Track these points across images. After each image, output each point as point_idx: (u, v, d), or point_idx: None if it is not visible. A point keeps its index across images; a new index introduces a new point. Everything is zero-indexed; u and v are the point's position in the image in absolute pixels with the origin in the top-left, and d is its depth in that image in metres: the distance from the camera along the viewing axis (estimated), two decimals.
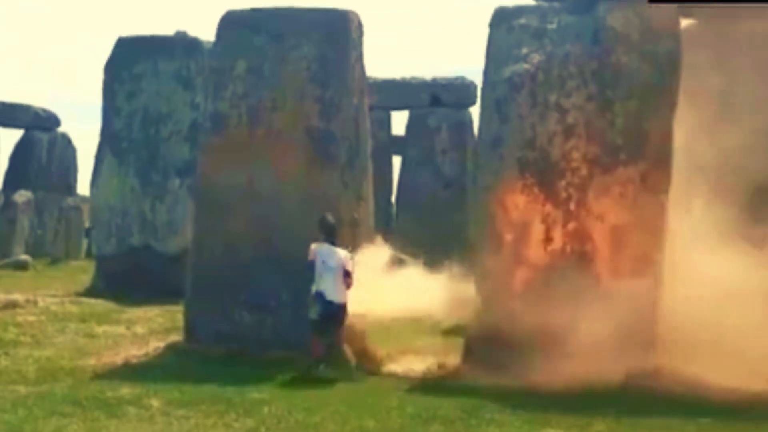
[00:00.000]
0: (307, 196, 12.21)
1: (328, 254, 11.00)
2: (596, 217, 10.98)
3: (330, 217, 11.25)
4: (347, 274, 10.94)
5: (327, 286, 10.92)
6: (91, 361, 11.96)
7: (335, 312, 10.98)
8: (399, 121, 29.13)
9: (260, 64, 12.92)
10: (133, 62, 21.15)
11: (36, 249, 28.89)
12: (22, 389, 10.11)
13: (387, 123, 28.80)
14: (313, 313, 10.95)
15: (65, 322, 15.17)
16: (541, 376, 10.03)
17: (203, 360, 11.86)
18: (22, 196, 30.26)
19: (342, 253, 11.03)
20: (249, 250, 12.39)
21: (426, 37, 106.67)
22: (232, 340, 12.23)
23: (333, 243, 11.08)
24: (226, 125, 12.97)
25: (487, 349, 10.86)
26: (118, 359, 12.26)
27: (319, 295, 10.93)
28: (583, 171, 11.00)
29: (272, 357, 11.60)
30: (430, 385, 10.52)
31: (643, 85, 11.08)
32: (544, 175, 11.08)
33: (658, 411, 9.42)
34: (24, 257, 26.95)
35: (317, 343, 10.99)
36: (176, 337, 13.65)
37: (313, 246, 11.08)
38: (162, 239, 20.35)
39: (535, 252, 11.05)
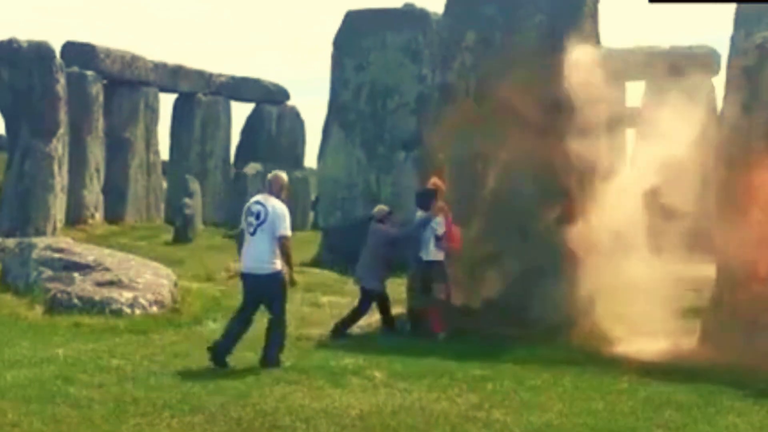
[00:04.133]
0: (537, 168, 11.81)
1: (421, 222, 11.97)
2: None
3: (423, 189, 12.29)
4: (438, 238, 11.80)
5: (422, 249, 11.90)
6: (316, 331, 12.04)
7: (424, 269, 11.91)
8: (635, 93, 28.15)
9: (490, 35, 12.62)
10: (361, 35, 21.33)
11: None
12: (250, 355, 10.27)
13: (621, 94, 27.81)
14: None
15: (291, 292, 15.35)
16: None
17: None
18: (252, 168, 31.24)
19: (435, 219, 11.83)
20: (480, 224, 12.16)
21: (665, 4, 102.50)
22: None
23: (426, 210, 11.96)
24: (453, 97, 12.74)
25: (726, 332, 10.20)
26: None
27: (415, 258, 12.06)
28: None
29: (495, 334, 11.34)
30: (663, 368, 9.92)
31: None
32: None
33: None
34: None
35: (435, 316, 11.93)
36: (399, 309, 13.53)
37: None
38: None
39: None
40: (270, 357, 9.59)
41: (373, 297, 12.14)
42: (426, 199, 12.08)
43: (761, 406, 8.47)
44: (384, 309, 12.26)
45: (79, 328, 11.57)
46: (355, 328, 12.27)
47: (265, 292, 9.67)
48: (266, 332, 9.72)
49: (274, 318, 9.72)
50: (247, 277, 9.75)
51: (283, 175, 9.98)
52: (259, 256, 9.51)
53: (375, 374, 9.37)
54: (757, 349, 9.67)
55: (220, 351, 9.53)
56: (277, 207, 9.55)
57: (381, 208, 12.61)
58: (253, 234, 9.53)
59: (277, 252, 9.49)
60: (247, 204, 9.83)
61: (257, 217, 9.51)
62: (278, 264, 9.52)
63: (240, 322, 9.76)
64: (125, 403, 7.83)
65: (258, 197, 9.84)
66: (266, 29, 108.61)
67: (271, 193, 9.74)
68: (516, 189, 11.83)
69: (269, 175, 10.16)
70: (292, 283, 9.79)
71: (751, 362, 9.55)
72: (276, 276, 9.55)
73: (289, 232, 9.53)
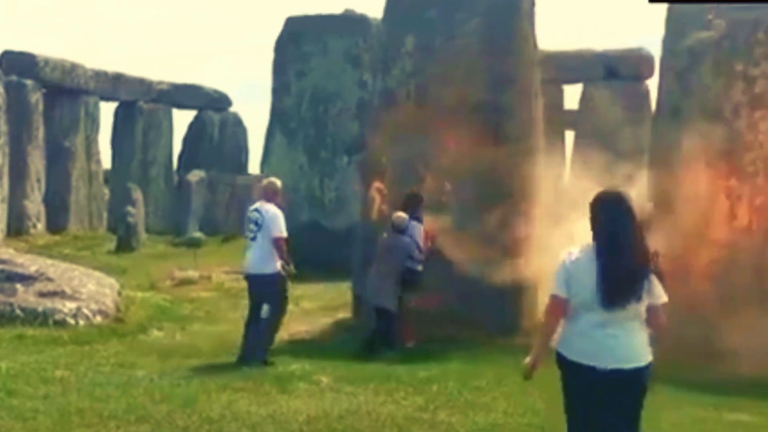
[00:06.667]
0: (477, 172, 11.94)
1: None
2: None
3: (410, 193, 11.68)
4: (417, 247, 11.35)
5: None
6: None
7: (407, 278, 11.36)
8: (572, 95, 28.41)
9: (429, 40, 12.71)
10: (302, 41, 21.36)
11: (209, 227, 29.58)
12: (195, 363, 10.27)
13: (559, 97, 28.08)
14: None
15: (237, 299, 15.38)
16: (726, 363, 9.50)
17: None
18: (195, 175, 31.06)
19: (416, 227, 11.43)
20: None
21: (601, 7, 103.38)
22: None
23: (415, 218, 11.48)
24: (394, 102, 12.83)
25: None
26: (287, 335, 12.32)
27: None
28: None
29: (441, 335, 11.44)
30: None
31: None
32: (728, 148, 10.51)
33: None
34: (198, 235, 27.62)
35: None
36: (344, 314, 13.66)
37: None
38: (330, 216, 20.50)
39: (717, 230, 10.51)
40: (254, 354, 10.09)
41: (387, 315, 11.29)
42: (414, 205, 11.57)
43: (696, 399, 8.66)
44: (389, 329, 11.27)
45: (22, 340, 11.45)
46: (303, 333, 12.30)
47: (263, 291, 10.21)
48: (250, 331, 10.25)
49: (267, 317, 10.18)
50: (250, 279, 10.41)
51: (277, 182, 10.65)
52: (259, 258, 10.16)
53: (321, 379, 9.40)
54: (691, 344, 9.84)
55: (244, 356, 10.17)
56: (271, 211, 10.19)
57: (401, 215, 11.40)
58: (254, 240, 10.23)
59: (275, 254, 10.09)
60: (247, 213, 10.51)
61: (256, 223, 10.21)
62: (276, 266, 10.08)
63: (254, 323, 10.29)
64: (70, 414, 7.78)
65: (255, 205, 10.43)
66: (207, 36, 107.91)
67: (267, 199, 10.34)
68: (456, 192, 11.94)
69: (264, 182, 10.90)
70: (291, 275, 10.32)
71: (685, 357, 9.74)
72: (274, 277, 10.10)
73: (283, 233, 10.13)
